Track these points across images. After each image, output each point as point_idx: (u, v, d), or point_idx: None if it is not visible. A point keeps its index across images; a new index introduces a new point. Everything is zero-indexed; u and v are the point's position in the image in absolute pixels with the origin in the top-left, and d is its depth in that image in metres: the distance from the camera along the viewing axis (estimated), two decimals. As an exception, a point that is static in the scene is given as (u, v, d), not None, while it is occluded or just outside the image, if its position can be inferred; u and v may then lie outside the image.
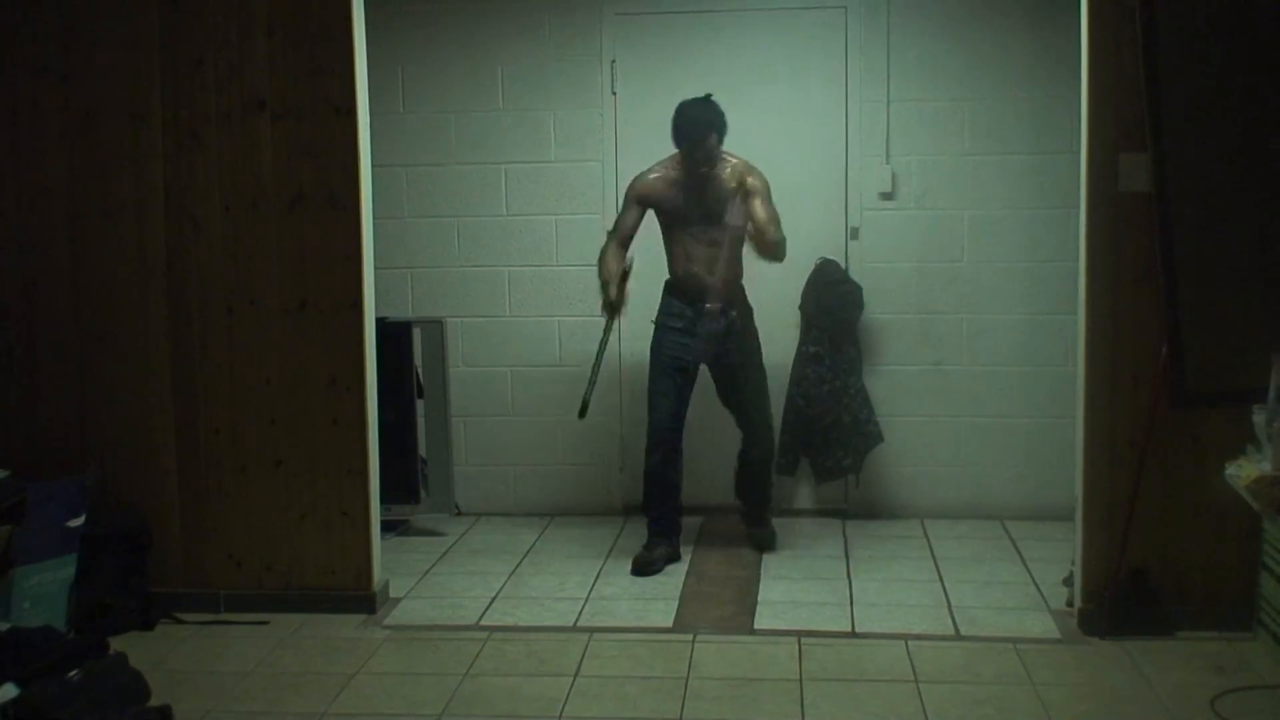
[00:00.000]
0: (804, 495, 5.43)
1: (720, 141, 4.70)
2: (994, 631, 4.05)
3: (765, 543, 5.02)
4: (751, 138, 5.19)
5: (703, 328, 4.75)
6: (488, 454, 5.64)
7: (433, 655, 3.94)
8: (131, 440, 4.34)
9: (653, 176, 4.82)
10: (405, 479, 5.19)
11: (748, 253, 4.81)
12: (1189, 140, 3.68)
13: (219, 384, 4.29)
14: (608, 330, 4.83)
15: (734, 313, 4.82)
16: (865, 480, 5.46)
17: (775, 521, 5.15)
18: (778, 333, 5.29)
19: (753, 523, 5.12)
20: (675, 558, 4.85)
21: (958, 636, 4.03)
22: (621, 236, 4.82)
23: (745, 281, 4.91)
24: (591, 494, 5.62)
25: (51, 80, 4.27)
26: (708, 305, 4.74)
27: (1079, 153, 3.99)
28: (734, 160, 4.76)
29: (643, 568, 4.73)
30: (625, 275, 4.76)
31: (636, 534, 5.18)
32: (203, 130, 4.23)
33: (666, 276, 4.89)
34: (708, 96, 4.72)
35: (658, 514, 4.87)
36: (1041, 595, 4.39)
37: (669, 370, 4.83)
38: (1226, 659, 3.76)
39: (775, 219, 4.71)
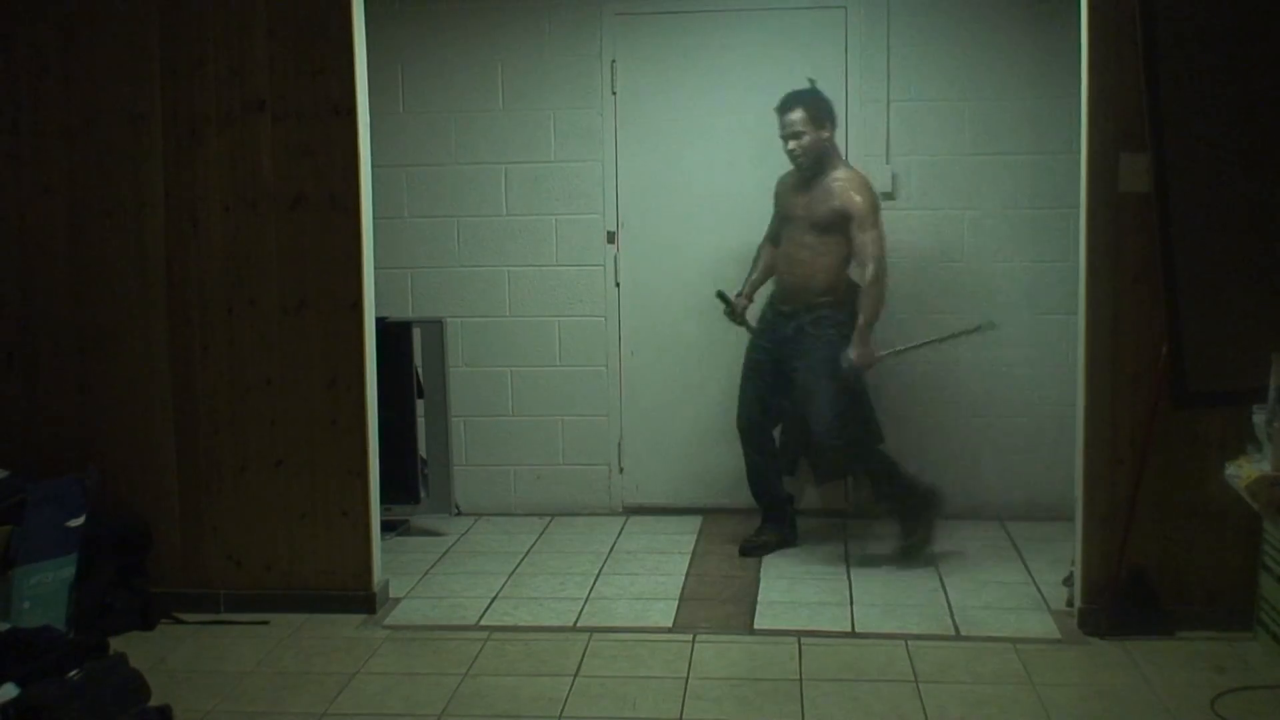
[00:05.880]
0: (805, 495, 5.42)
1: (814, 124, 4.66)
2: (994, 631, 4.05)
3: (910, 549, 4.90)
4: (751, 137, 5.21)
5: (769, 327, 4.86)
6: (488, 454, 5.64)
7: (433, 655, 3.94)
8: (131, 440, 4.34)
9: (784, 175, 4.90)
10: (405, 479, 5.19)
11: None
12: (1189, 140, 3.68)
13: (219, 384, 4.29)
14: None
15: (807, 319, 4.74)
16: (865, 481, 5.44)
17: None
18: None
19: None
20: (788, 543, 4.99)
21: (958, 636, 4.03)
22: (767, 237, 5.01)
23: None
24: (591, 494, 5.62)
25: (52, 81, 4.27)
26: (780, 307, 4.80)
27: (1079, 153, 3.98)
28: (843, 173, 4.70)
29: (748, 549, 4.90)
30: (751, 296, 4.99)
31: (637, 534, 5.18)
32: (203, 130, 4.22)
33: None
34: (811, 82, 4.77)
35: (766, 502, 5.02)
36: (1041, 595, 4.39)
37: (747, 368, 4.97)
38: (1226, 659, 3.76)
39: (871, 253, 4.58)
